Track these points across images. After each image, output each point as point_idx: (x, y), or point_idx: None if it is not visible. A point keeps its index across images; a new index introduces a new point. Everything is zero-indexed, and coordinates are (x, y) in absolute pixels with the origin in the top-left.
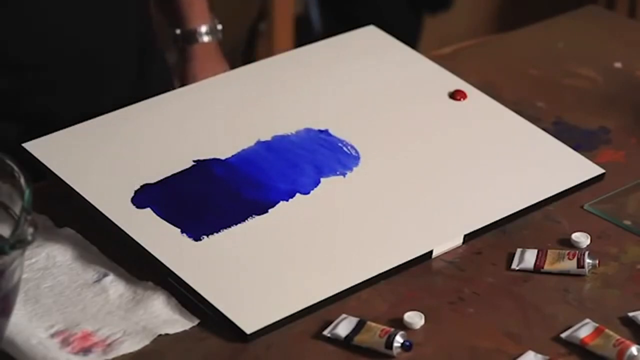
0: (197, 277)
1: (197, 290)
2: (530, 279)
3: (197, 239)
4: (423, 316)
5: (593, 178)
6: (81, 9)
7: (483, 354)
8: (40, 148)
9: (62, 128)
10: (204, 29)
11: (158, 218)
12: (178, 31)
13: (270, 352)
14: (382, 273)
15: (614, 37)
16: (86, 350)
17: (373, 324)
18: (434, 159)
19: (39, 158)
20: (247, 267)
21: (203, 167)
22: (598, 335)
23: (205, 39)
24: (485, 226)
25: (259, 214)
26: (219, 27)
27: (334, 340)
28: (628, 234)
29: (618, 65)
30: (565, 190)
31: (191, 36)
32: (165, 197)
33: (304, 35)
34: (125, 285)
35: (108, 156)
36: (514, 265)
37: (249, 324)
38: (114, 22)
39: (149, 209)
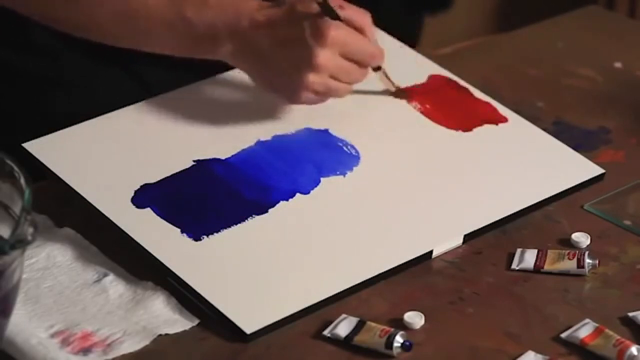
0: (197, 277)
1: (197, 290)
2: (530, 279)
3: (197, 239)
4: (423, 316)
5: (593, 178)
6: None
7: (483, 354)
8: (40, 148)
9: (62, 128)
10: None
11: (158, 218)
12: None
13: (270, 352)
14: (382, 273)
15: (614, 37)
16: (86, 350)
17: (373, 324)
18: (434, 159)
19: (39, 158)
20: (247, 267)
21: (203, 167)
22: (598, 335)
23: None
24: (485, 226)
25: (259, 214)
26: None
27: (334, 340)
28: (628, 234)
29: (618, 65)
30: (565, 190)
31: None
32: (165, 197)
33: None
34: (125, 285)
35: (108, 156)
36: (514, 265)
37: (249, 324)
38: None
39: (149, 209)
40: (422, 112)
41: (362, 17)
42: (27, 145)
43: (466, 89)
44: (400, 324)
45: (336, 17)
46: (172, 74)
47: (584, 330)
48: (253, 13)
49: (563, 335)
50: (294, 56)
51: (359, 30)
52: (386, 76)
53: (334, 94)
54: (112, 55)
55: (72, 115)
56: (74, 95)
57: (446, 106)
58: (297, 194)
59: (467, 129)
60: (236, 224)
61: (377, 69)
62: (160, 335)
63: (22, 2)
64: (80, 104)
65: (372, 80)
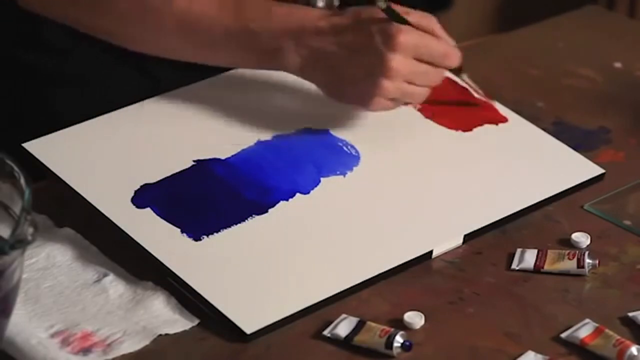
0: (197, 277)
1: (197, 290)
2: (530, 279)
3: (197, 239)
4: (423, 316)
5: (593, 178)
6: None
7: (483, 354)
8: (40, 148)
9: (62, 127)
10: (320, 3)
11: (158, 218)
12: None
13: (270, 352)
14: (382, 273)
15: (614, 37)
16: (86, 350)
17: (373, 324)
18: (434, 159)
19: (39, 158)
20: (247, 267)
21: (203, 167)
22: (598, 335)
23: (320, 4)
24: (485, 226)
25: (259, 214)
26: (336, 2)
27: (334, 340)
28: (628, 234)
29: (618, 65)
30: (565, 190)
31: (309, 2)
32: (165, 197)
33: None
34: (125, 285)
35: (108, 156)
36: (514, 265)
37: (249, 324)
38: None
39: (149, 209)
40: (422, 112)
41: (429, 20)
42: (27, 145)
43: (466, 89)
44: (400, 324)
45: (403, 22)
46: (183, 72)
47: (584, 330)
48: (317, 21)
49: (563, 335)
50: (365, 63)
51: (428, 33)
52: (468, 81)
53: (410, 98)
54: (122, 53)
55: (81, 113)
56: (83, 92)
57: (446, 106)
58: (297, 194)
59: (467, 129)
60: (236, 224)
61: (458, 72)
62: (160, 335)
63: (75, 15)
64: (89, 102)
65: None
